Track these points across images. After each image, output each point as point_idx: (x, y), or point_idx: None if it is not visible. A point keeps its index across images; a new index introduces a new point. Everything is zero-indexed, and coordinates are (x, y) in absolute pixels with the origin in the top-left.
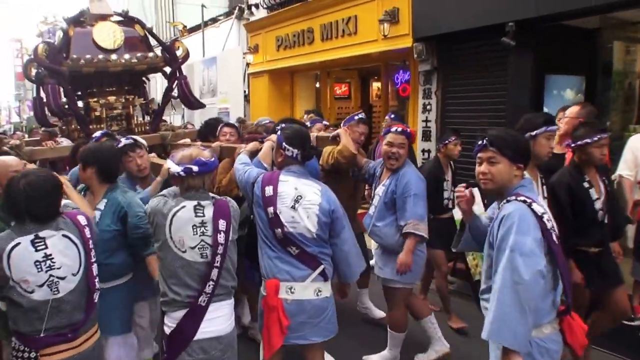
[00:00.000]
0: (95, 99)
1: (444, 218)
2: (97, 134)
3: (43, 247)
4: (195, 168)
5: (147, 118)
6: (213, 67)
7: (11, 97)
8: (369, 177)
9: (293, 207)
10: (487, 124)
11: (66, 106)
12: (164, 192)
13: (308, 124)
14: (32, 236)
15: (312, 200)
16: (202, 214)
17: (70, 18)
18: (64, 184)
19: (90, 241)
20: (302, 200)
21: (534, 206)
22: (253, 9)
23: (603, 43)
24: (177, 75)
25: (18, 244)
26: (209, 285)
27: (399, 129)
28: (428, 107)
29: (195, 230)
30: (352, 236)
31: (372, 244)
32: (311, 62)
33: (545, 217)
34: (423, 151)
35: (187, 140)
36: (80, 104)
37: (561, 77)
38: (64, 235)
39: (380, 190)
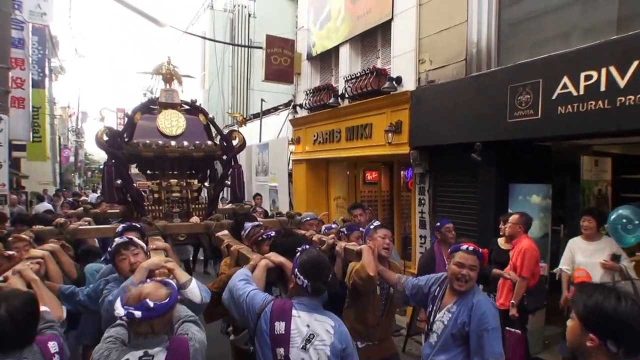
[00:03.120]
0: (158, 181)
1: None
2: (119, 227)
3: None
4: (137, 314)
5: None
6: (266, 151)
7: None
8: (412, 296)
9: (304, 348)
10: (465, 220)
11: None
12: (113, 334)
13: (344, 230)
14: None
15: (324, 340)
16: None
17: (138, 106)
18: (33, 281)
19: None
20: (314, 339)
21: None
22: (298, 108)
23: (567, 155)
24: (232, 164)
25: None
26: None
27: (471, 248)
28: (422, 201)
29: None
30: None
31: None
32: (339, 156)
33: None
34: (420, 237)
35: (226, 232)
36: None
37: (526, 185)
38: None
39: (444, 317)
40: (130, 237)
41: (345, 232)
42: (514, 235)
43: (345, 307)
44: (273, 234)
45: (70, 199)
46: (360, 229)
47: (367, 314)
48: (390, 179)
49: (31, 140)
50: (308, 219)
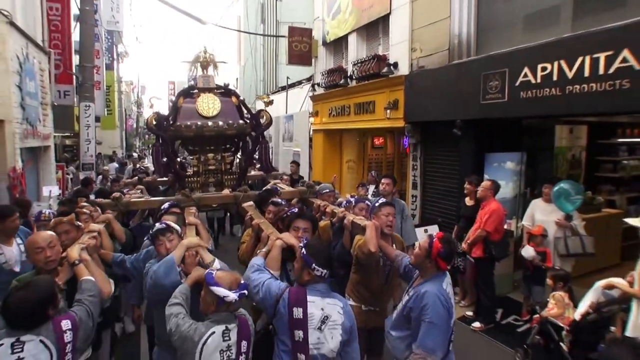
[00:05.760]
0: (197, 156)
1: None
2: (165, 205)
3: (19, 350)
4: (245, 292)
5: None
6: (291, 121)
7: None
8: (404, 274)
9: (319, 329)
10: (448, 183)
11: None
12: (182, 311)
13: (352, 200)
14: (13, 339)
15: (336, 320)
16: (228, 338)
17: (181, 91)
18: (85, 260)
19: (69, 345)
20: (328, 321)
21: None
22: (316, 86)
23: (541, 125)
24: (260, 139)
25: (1, 345)
26: None
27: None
28: (415, 166)
29: (222, 355)
30: (357, 345)
31: None
32: (349, 127)
33: None
34: (412, 196)
35: (251, 203)
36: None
37: (500, 154)
38: (40, 341)
39: (404, 298)
40: (167, 222)
41: (353, 204)
42: (485, 197)
43: (352, 271)
44: (271, 216)
45: (131, 166)
46: (367, 202)
47: (370, 282)
48: (393, 144)
49: (105, 114)
50: (326, 190)
